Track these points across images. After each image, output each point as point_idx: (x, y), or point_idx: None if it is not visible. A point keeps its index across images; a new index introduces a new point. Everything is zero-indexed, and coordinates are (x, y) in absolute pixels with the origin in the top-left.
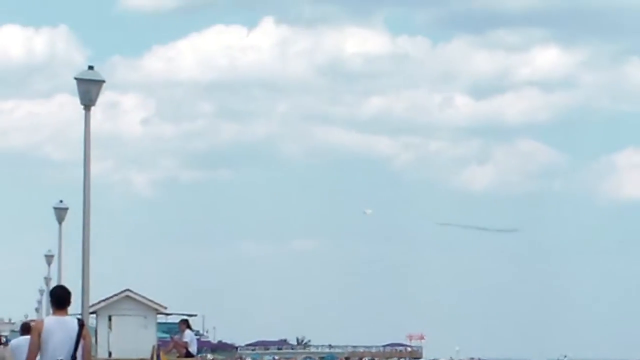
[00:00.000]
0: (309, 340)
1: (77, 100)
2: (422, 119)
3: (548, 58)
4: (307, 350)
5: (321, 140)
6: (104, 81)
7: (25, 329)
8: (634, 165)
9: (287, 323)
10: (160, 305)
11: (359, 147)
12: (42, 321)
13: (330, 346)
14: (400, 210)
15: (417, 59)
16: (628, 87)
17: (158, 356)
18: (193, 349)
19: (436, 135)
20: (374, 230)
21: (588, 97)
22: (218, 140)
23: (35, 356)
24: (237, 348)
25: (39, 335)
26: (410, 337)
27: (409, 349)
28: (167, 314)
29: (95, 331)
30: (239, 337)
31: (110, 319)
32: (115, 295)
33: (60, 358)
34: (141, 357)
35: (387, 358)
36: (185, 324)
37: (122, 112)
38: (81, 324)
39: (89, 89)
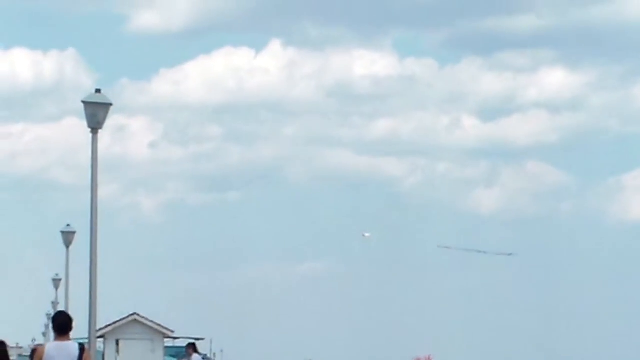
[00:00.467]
0: None
1: (86, 124)
2: (430, 140)
3: (555, 79)
4: None
5: (329, 162)
6: (111, 104)
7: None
8: None
9: (295, 345)
10: (168, 329)
11: (366, 169)
12: (43, 347)
13: None
14: (407, 233)
15: (424, 80)
16: (636, 108)
17: None
18: None
19: (444, 157)
20: (381, 252)
21: (596, 118)
22: (226, 163)
23: None
24: None
25: None
26: None
27: None
28: (175, 338)
29: (103, 355)
30: None
31: (117, 343)
32: (123, 319)
33: None
34: None
35: None
36: (193, 347)
37: (130, 135)
38: (81, 348)
39: (96, 112)
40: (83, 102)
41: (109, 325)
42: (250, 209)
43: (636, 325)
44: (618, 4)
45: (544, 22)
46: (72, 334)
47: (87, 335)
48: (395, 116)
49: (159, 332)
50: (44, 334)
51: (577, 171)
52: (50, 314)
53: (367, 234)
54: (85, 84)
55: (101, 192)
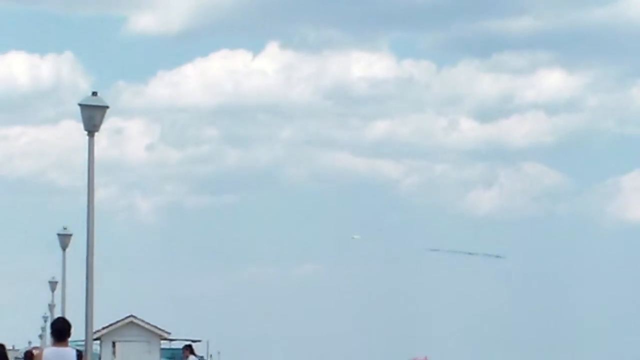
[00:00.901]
0: None
1: (82, 127)
2: (427, 142)
3: (553, 81)
4: None
5: (326, 164)
6: (107, 107)
7: (28, 357)
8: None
9: (292, 347)
10: (164, 331)
11: (364, 171)
12: (41, 352)
13: None
14: (405, 234)
15: (422, 82)
16: (633, 109)
17: None
18: None
19: (441, 159)
20: (378, 254)
21: (593, 119)
22: (223, 166)
23: None
24: None
25: None
26: None
27: None
28: (171, 340)
29: (99, 357)
30: None
31: (114, 345)
32: (119, 321)
33: None
34: None
35: None
36: (189, 349)
37: (127, 138)
38: (79, 355)
39: (92, 115)
40: (79, 104)
41: (106, 327)
42: (247, 212)
43: (634, 326)
44: (616, 5)
45: (541, 24)
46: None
47: (83, 338)
48: (392, 118)
49: (156, 334)
50: (41, 337)
51: (575, 172)
52: (47, 317)
53: (356, 236)
54: (82, 87)
55: (98, 194)
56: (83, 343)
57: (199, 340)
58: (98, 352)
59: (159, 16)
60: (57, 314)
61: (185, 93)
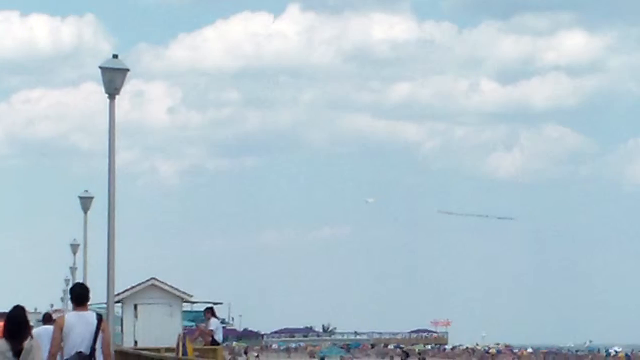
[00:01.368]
0: (335, 328)
1: (103, 89)
2: (449, 104)
3: (574, 42)
4: (332, 338)
5: (347, 127)
6: (128, 70)
7: (47, 318)
8: None
9: (313, 310)
10: (186, 294)
11: (384, 134)
12: (63, 316)
13: (355, 333)
14: (425, 197)
15: (443, 44)
16: None
17: (184, 345)
18: (219, 336)
19: (462, 121)
20: (399, 217)
21: (615, 81)
22: (244, 129)
23: (58, 349)
24: (262, 336)
25: (61, 329)
26: (436, 323)
27: (434, 335)
28: (193, 302)
29: (121, 320)
30: (265, 325)
31: (136, 308)
32: (141, 283)
33: (80, 350)
34: (167, 345)
35: (413, 344)
36: (211, 312)
37: (148, 100)
38: (99, 318)
39: (113, 78)
40: (100, 67)
41: (127, 290)
42: (268, 174)
43: None
44: None
45: None
46: (90, 299)
47: (105, 300)
48: (413, 80)
49: (177, 297)
50: (62, 299)
51: (596, 134)
52: (69, 279)
53: (370, 199)
54: (104, 49)
55: (119, 157)
56: (105, 305)
57: (221, 303)
58: (120, 314)
59: None
60: (79, 276)
61: (206, 56)
